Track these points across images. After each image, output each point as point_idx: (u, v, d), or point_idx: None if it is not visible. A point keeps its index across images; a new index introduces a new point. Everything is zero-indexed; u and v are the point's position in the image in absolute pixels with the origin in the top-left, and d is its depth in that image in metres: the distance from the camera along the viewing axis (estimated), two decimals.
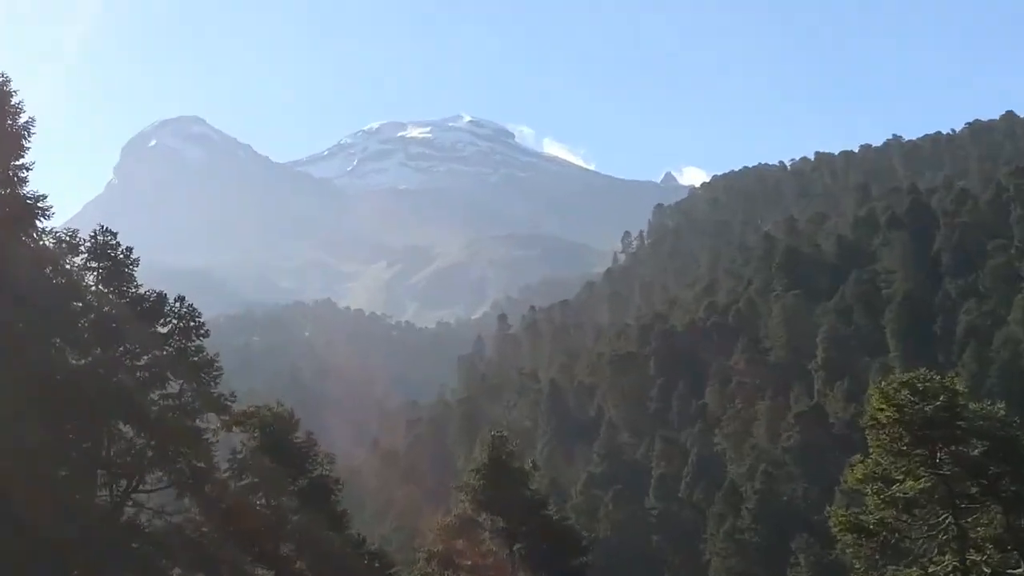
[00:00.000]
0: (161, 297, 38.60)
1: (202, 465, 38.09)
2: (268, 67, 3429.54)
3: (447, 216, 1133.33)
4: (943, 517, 32.91)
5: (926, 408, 32.28)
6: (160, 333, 38.37)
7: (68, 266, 38.14)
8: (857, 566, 34.22)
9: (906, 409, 32.44)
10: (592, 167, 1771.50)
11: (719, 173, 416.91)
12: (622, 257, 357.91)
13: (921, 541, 33.13)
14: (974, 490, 33.04)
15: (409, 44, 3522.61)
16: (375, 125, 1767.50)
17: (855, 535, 33.23)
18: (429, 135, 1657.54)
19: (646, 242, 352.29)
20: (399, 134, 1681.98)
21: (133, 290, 38.33)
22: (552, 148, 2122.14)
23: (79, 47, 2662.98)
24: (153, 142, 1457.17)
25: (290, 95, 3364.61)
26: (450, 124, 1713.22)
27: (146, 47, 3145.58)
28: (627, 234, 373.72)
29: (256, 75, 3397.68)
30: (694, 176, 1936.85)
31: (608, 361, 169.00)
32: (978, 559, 32.53)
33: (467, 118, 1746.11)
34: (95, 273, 38.06)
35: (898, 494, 32.73)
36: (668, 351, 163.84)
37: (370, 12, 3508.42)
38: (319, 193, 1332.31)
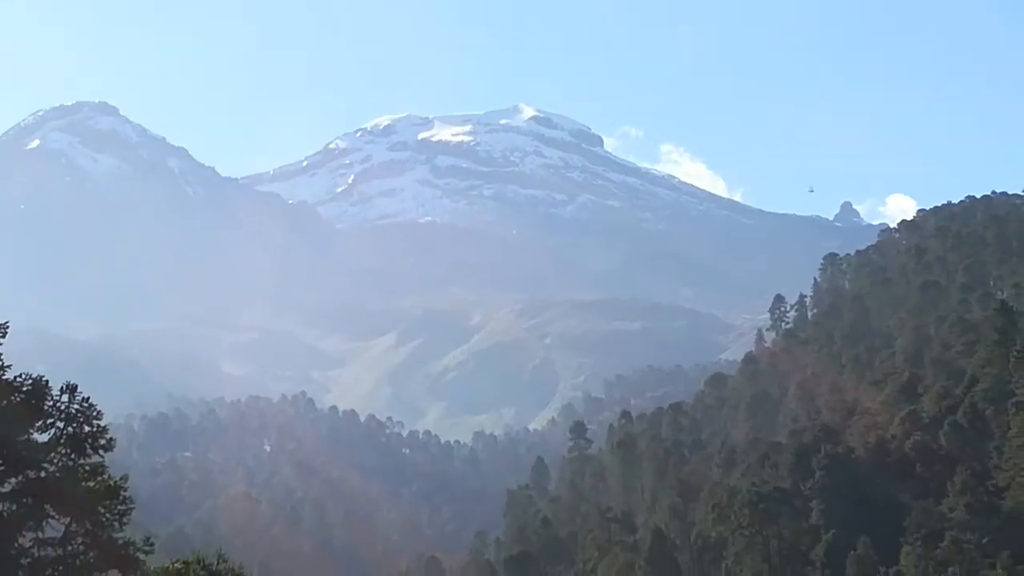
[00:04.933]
0: (39, 385, 27.89)
1: None
2: (213, 32, 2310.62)
3: (493, 267, 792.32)
4: None
5: None
6: (37, 442, 27.89)
7: None
8: None
9: None
10: (737, 197, 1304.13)
11: (928, 206, 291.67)
12: (771, 337, 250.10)
13: None
14: None
15: None
16: (384, 121, 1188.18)
17: None
18: (469, 138, 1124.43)
19: (810, 314, 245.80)
20: (421, 136, 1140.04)
21: None
22: (674, 162, 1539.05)
23: None
24: (35, 142, 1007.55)
25: (247, 75, 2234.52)
26: (503, 121, 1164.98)
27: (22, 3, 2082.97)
28: (779, 300, 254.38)
29: (195, 43, 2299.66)
30: (897, 208, 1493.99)
31: (746, 502, 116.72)
32: None
33: (529, 112, 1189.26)
34: None
35: None
36: (842, 487, 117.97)
37: None
38: (292, 227, 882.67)
